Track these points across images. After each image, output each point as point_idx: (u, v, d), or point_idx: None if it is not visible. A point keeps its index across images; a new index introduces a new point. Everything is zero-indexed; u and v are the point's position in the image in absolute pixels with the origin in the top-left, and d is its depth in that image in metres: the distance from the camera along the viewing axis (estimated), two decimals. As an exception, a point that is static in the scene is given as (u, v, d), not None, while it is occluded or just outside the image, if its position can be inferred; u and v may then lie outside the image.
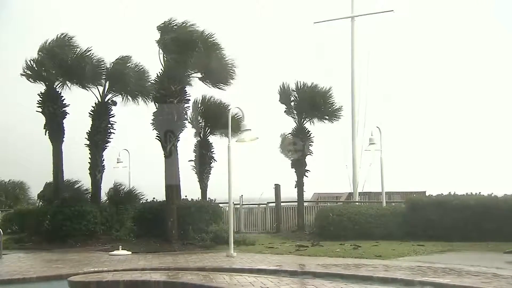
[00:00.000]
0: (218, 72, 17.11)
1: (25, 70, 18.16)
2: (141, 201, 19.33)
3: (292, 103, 19.35)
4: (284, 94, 19.38)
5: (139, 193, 19.70)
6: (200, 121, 19.84)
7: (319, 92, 19.11)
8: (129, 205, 18.86)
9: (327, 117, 19.37)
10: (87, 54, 18.08)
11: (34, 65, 18.04)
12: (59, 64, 17.91)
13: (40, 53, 17.99)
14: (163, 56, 16.34)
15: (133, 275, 9.53)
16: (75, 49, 18.13)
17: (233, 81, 17.67)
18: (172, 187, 16.23)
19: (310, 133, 19.39)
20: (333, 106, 19.30)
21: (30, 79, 18.27)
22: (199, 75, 17.32)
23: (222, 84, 17.84)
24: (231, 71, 17.41)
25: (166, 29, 16.21)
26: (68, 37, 18.15)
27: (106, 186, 19.24)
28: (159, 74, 16.57)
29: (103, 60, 18.42)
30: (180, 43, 15.87)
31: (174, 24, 16.20)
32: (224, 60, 17.07)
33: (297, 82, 19.29)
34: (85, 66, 17.69)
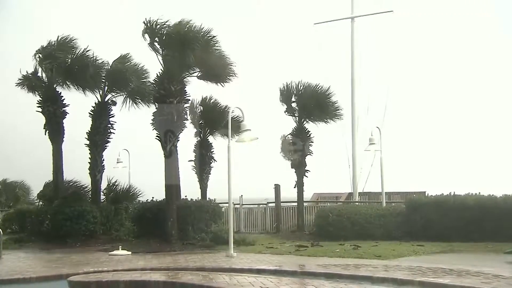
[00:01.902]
0: (217, 68, 17.01)
1: (22, 81, 18.24)
2: (139, 200, 19.34)
3: (294, 104, 19.33)
4: (286, 94, 19.37)
5: (137, 190, 19.70)
6: (200, 121, 19.84)
7: (321, 91, 19.12)
8: (126, 203, 18.85)
9: (328, 117, 19.38)
10: (87, 55, 18.06)
11: (31, 75, 18.10)
12: (58, 68, 17.88)
13: (38, 55, 17.96)
14: (161, 55, 16.31)
15: (133, 275, 9.53)
16: (75, 50, 18.10)
17: (232, 76, 17.53)
18: (172, 187, 16.22)
19: (310, 133, 19.39)
20: (334, 105, 19.33)
21: (26, 88, 18.37)
22: (198, 73, 17.29)
23: (222, 82, 17.76)
24: (230, 66, 17.27)
25: (152, 29, 16.02)
26: (70, 39, 18.09)
27: (106, 186, 19.29)
28: (158, 74, 16.58)
29: (103, 61, 18.43)
30: (176, 41, 15.80)
31: (162, 23, 15.98)
32: (222, 55, 16.92)
33: (298, 82, 19.28)
34: (86, 68, 17.64)
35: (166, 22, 15.98)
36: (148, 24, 16.02)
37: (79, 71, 17.80)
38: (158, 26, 15.98)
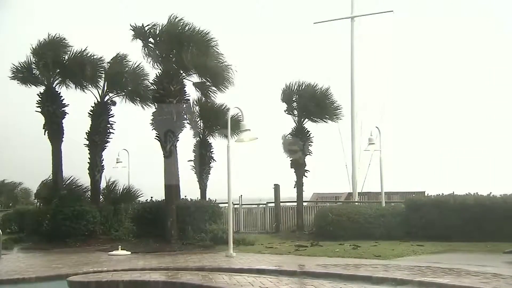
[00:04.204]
0: (215, 75, 17.01)
1: (15, 73, 18.21)
2: (139, 200, 19.34)
3: (294, 103, 19.31)
4: (287, 94, 19.35)
5: (137, 191, 19.69)
6: (200, 121, 19.83)
7: (320, 91, 19.12)
8: (126, 203, 18.84)
9: (327, 116, 19.39)
10: (84, 54, 18.03)
11: (23, 68, 18.09)
12: (54, 65, 17.83)
13: (32, 54, 17.95)
14: (157, 55, 16.29)
15: (133, 275, 9.53)
16: (69, 48, 18.10)
17: (231, 82, 17.58)
18: (172, 187, 16.22)
19: (309, 133, 19.38)
20: (334, 105, 19.32)
21: (20, 81, 18.32)
22: (196, 76, 17.30)
23: (219, 88, 17.78)
24: (228, 71, 17.26)
25: (143, 32, 16.03)
26: (61, 38, 18.09)
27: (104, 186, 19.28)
28: (158, 74, 16.57)
29: (102, 60, 18.43)
30: (170, 39, 15.79)
31: (150, 25, 15.96)
32: (219, 58, 16.86)
33: (301, 83, 19.26)
34: (83, 66, 17.61)
35: (154, 24, 15.94)
36: (136, 29, 16.02)
37: (77, 69, 17.76)
38: (147, 29, 15.97)
